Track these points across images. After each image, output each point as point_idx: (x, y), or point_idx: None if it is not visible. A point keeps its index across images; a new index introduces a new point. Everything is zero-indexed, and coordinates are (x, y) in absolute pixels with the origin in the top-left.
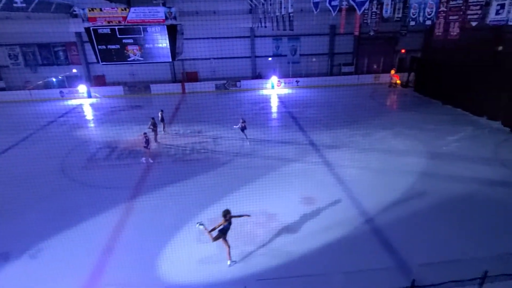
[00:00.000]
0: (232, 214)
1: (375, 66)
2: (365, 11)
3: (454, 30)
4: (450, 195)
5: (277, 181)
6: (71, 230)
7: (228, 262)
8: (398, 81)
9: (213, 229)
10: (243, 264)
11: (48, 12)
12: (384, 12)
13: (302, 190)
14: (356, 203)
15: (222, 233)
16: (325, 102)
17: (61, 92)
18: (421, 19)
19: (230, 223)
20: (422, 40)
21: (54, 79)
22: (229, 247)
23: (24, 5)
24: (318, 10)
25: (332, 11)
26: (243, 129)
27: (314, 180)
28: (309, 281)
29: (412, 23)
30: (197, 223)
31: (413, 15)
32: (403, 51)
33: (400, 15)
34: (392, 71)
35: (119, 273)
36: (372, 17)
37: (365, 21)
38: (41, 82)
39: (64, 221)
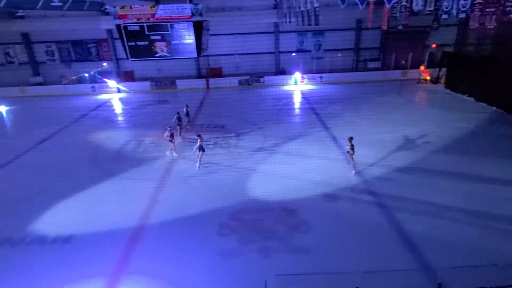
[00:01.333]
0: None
1: (403, 62)
2: (394, 4)
3: (491, 23)
4: (479, 196)
5: (298, 177)
6: (100, 218)
7: (353, 172)
8: (428, 77)
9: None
10: (262, 259)
11: (82, 10)
12: (414, 5)
13: (323, 187)
14: (380, 203)
15: (353, 150)
16: (350, 98)
17: (92, 87)
18: (454, 12)
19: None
20: (455, 34)
21: (86, 75)
22: (354, 161)
23: (60, 4)
24: (345, 4)
25: (360, 5)
26: (201, 148)
27: (336, 177)
28: (328, 278)
29: (445, 16)
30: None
31: (446, 8)
32: (433, 45)
33: (431, 8)
34: (422, 67)
35: (144, 262)
36: (402, 11)
37: (394, 14)
38: (74, 77)
39: (94, 209)
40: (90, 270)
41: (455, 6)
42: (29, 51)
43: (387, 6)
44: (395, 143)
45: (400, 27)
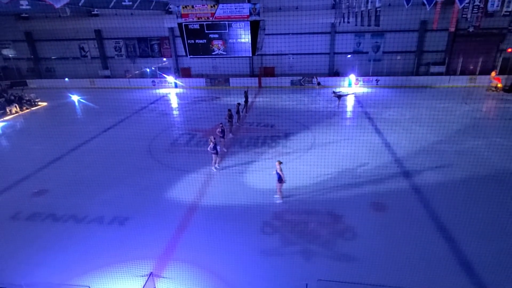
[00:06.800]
0: None
1: (471, 67)
2: (466, 4)
3: None
4: None
5: (347, 182)
6: (152, 205)
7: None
8: (500, 85)
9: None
10: (304, 262)
11: (148, 9)
12: (489, 5)
13: (372, 195)
14: (434, 217)
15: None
16: (408, 103)
17: (153, 81)
18: None
19: None
20: None
21: (148, 70)
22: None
23: (130, 3)
24: (410, 4)
25: (427, 5)
26: (215, 146)
27: (387, 185)
28: None
29: None
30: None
31: None
32: (509, 50)
33: (510, 9)
34: (493, 73)
35: (189, 252)
36: (474, 11)
37: (464, 15)
38: (137, 72)
39: (147, 196)
40: (140, 253)
41: None
42: (100, 46)
43: (459, 6)
44: (457, 154)
45: (470, 29)
